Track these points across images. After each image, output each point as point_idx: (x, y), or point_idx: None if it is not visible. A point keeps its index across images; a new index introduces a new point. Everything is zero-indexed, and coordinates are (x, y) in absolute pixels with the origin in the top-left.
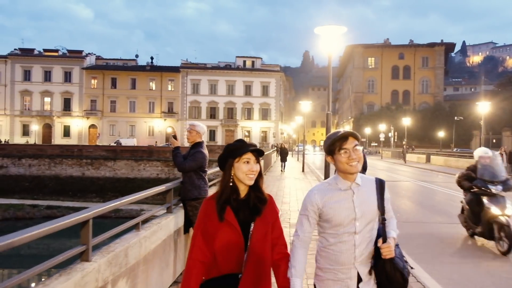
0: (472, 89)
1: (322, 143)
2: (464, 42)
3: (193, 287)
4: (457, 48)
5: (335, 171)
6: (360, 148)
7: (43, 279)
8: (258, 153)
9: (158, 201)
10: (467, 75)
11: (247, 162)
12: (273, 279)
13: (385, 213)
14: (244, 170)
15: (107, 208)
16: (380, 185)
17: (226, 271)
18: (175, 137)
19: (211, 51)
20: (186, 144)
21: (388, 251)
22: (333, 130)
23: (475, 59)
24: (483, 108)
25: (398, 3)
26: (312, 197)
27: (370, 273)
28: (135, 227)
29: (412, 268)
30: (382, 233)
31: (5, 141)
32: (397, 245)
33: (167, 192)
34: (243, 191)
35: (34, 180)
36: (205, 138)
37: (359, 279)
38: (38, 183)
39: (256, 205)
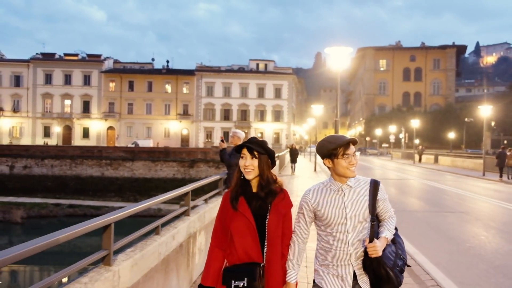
0: (485, 90)
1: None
2: (478, 43)
3: (212, 272)
4: (471, 48)
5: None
6: (358, 153)
7: (166, 226)
8: (253, 149)
9: (177, 200)
10: (480, 76)
11: (242, 157)
12: None
13: (375, 214)
14: (241, 165)
15: (198, 185)
16: (374, 186)
17: (245, 259)
18: (222, 141)
19: (223, 52)
20: (201, 144)
21: (373, 250)
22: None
23: (489, 59)
24: (486, 111)
25: (411, 3)
26: (307, 197)
27: (363, 269)
28: (206, 201)
29: (408, 266)
30: (370, 233)
31: (44, 143)
32: (390, 244)
33: (219, 180)
34: (254, 184)
35: (56, 180)
36: (219, 139)
37: (355, 275)
38: (60, 183)
39: (263, 198)
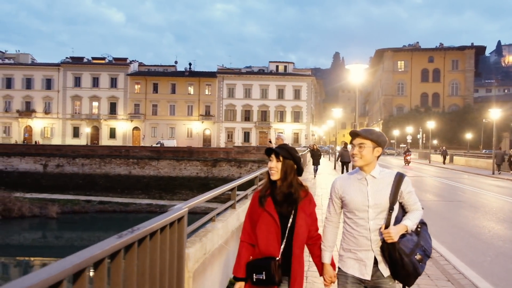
0: (506, 90)
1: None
2: (499, 41)
3: (243, 264)
4: (492, 47)
5: None
6: (368, 147)
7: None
8: (278, 153)
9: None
10: (501, 76)
11: (271, 160)
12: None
13: (394, 204)
14: (268, 166)
15: (263, 172)
16: (399, 178)
17: (266, 254)
18: (270, 142)
19: (240, 52)
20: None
21: (387, 236)
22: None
23: (511, 59)
24: (495, 114)
25: (431, 1)
26: (334, 185)
27: (383, 255)
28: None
29: (429, 257)
30: (386, 221)
31: (92, 143)
32: (412, 234)
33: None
34: (279, 186)
35: (86, 178)
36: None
37: (376, 262)
38: (90, 181)
39: (289, 201)
